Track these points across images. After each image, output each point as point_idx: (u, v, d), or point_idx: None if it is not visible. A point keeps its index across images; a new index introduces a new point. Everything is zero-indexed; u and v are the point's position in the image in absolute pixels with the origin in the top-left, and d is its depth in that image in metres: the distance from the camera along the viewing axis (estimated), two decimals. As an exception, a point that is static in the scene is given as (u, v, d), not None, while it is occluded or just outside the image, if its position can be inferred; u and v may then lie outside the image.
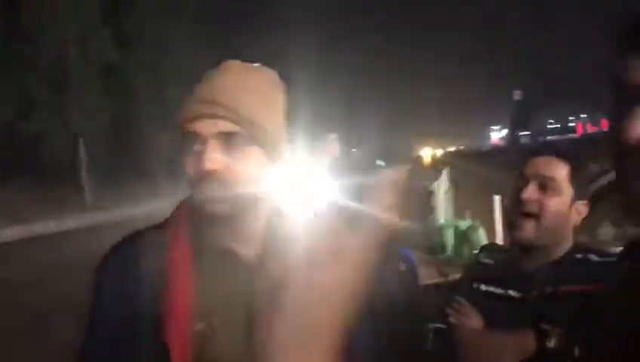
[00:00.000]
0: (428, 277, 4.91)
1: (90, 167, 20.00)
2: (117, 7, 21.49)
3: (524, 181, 1.43)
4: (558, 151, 1.48)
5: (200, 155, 0.98)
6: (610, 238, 4.84)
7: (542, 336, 1.26)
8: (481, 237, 6.59)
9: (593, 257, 1.43)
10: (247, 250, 1.05)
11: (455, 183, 10.87)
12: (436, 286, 3.71)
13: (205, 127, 0.99)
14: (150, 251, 1.03)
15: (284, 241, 1.00)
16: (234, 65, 1.06)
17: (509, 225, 1.46)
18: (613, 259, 1.35)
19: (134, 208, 14.08)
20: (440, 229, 7.99)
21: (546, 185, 1.40)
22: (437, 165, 10.69)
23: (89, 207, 18.22)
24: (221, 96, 1.00)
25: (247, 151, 1.01)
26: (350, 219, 1.03)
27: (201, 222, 1.04)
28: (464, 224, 7.41)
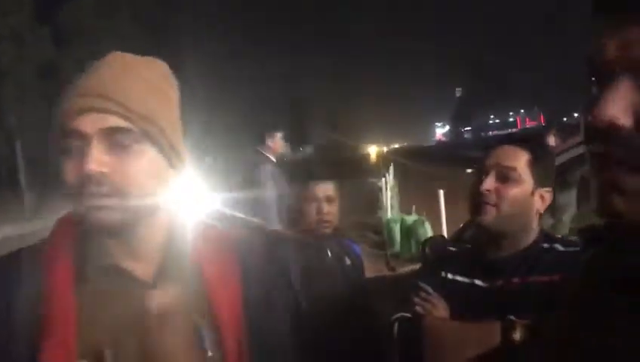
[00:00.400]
0: (376, 271, 5.05)
1: (29, 172, 19.24)
2: (54, 3, 20.74)
3: (483, 172, 1.44)
4: (519, 139, 1.49)
5: (82, 156, 0.83)
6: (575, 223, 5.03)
7: (507, 327, 1.25)
8: (427, 231, 6.71)
9: (558, 247, 1.44)
10: (141, 269, 0.90)
11: (400, 179, 11.10)
12: (385, 278, 3.81)
13: (89, 122, 0.84)
14: (25, 275, 0.87)
15: (184, 259, 0.93)
16: (123, 56, 0.94)
17: (472, 210, 1.46)
18: (577, 248, 1.28)
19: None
20: (387, 224, 8.15)
21: (505, 175, 1.41)
22: (383, 162, 10.83)
23: (28, 215, 17.53)
24: (108, 88, 0.87)
25: (140, 151, 0.87)
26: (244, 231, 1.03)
27: (86, 237, 0.90)
28: (410, 219, 7.59)
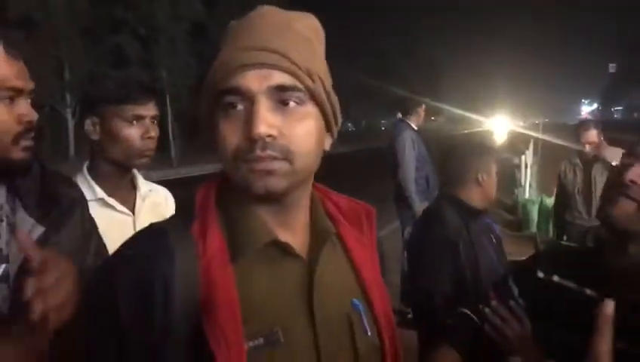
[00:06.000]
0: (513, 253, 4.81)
1: (176, 124, 20.81)
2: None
3: (632, 159, 1.20)
4: None
5: (248, 117, 0.76)
6: None
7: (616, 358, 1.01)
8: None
9: None
10: (296, 243, 0.86)
11: (540, 157, 10.40)
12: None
13: (255, 79, 0.77)
14: (175, 251, 0.79)
15: (329, 232, 0.89)
16: (276, 9, 0.85)
17: (604, 200, 1.22)
18: None
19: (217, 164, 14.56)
20: (524, 205, 7.72)
21: None
22: (522, 138, 10.22)
23: (175, 163, 19.11)
24: (272, 41, 0.79)
25: (306, 113, 0.81)
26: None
27: (241, 207, 0.84)
28: (550, 200, 7.10)
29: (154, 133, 1.67)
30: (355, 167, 16.74)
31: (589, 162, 4.10)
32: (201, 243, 0.80)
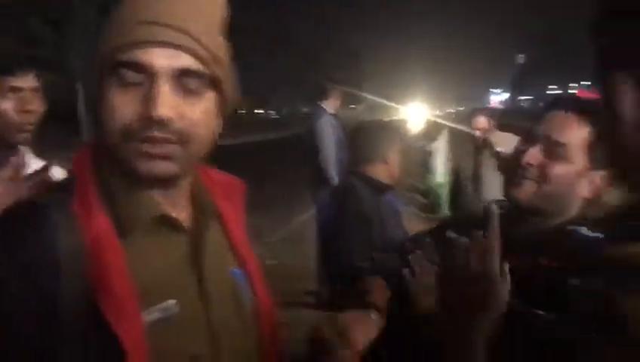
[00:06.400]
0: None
1: (89, 112, 19.89)
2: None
3: (527, 143, 1.24)
4: (580, 108, 1.22)
5: (148, 95, 0.73)
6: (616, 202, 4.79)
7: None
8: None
9: (584, 232, 1.21)
10: (180, 214, 0.86)
11: (452, 144, 10.89)
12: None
13: (161, 58, 0.74)
14: (58, 228, 0.74)
15: (209, 206, 0.92)
16: None
17: (507, 183, 1.27)
18: (603, 236, 1.14)
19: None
20: (436, 189, 8.12)
21: (553, 150, 1.20)
22: (435, 126, 10.68)
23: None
24: (180, 19, 0.75)
25: (207, 97, 0.79)
26: None
27: (123, 181, 0.80)
28: (459, 184, 7.49)
29: (33, 106, 1.56)
30: (277, 153, 16.76)
31: (479, 147, 4.34)
32: (85, 219, 0.76)
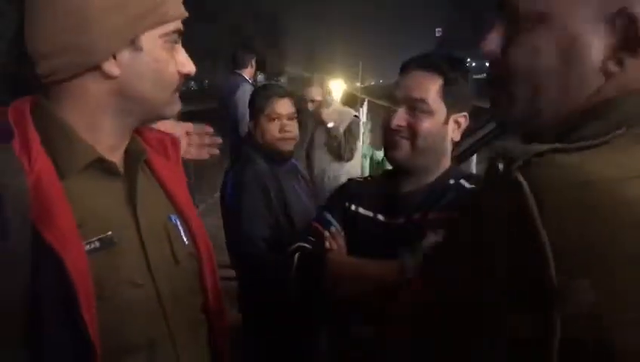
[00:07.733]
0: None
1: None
2: None
3: (395, 105, 1.33)
4: (427, 65, 1.33)
5: (184, 56, 0.96)
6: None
7: (401, 266, 1.18)
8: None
9: (464, 183, 1.34)
10: (114, 157, 0.95)
11: (373, 116, 11.19)
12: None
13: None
14: (1, 169, 0.79)
15: (141, 154, 1.00)
16: None
17: (386, 145, 1.36)
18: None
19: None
20: (357, 157, 8.31)
21: (415, 107, 1.30)
22: (357, 98, 10.90)
23: None
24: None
25: None
26: None
27: (61, 128, 0.89)
28: (380, 154, 7.75)
29: None
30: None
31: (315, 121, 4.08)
32: (25, 159, 0.82)
